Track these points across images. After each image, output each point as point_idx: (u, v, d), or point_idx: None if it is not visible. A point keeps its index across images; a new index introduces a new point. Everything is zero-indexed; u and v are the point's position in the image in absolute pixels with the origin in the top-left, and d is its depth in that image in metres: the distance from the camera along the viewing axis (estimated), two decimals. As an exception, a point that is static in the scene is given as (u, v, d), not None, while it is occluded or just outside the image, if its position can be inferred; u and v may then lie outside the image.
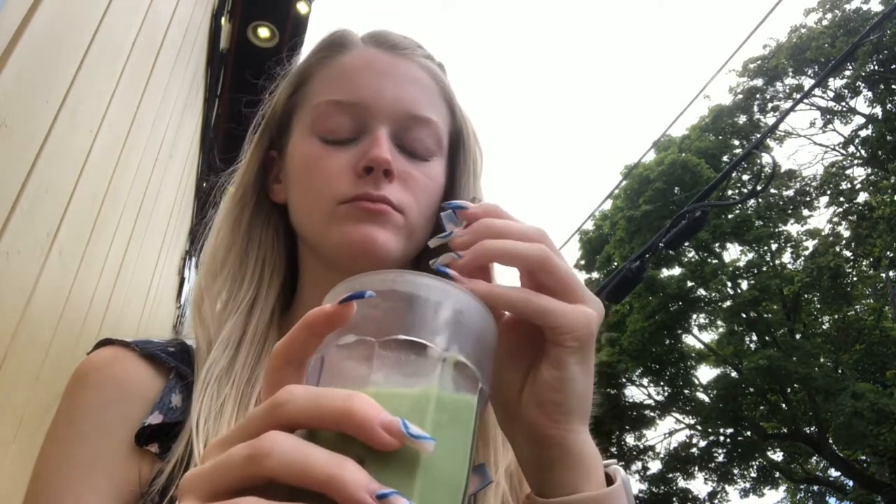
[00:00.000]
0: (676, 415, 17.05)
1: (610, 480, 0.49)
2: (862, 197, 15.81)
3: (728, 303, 16.56)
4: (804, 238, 16.77)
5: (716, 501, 16.85)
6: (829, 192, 16.18)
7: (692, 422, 16.92)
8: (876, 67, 15.02)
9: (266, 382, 0.36)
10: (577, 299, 0.47)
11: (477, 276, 0.46)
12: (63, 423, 0.62)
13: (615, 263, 15.96)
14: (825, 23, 16.07)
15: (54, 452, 0.60)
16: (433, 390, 0.34)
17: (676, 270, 17.17)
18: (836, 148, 16.63)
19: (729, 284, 16.70)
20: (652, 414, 17.11)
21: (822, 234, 16.30)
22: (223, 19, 3.51)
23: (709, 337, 17.41)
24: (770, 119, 16.57)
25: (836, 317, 16.31)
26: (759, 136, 14.00)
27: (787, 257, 16.98)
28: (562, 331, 0.45)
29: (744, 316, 16.07)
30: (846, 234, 15.90)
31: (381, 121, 0.68)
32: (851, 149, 16.31)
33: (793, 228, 16.90)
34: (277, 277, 0.74)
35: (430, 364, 0.35)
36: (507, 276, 0.53)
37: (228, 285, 0.72)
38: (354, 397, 0.31)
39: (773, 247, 16.79)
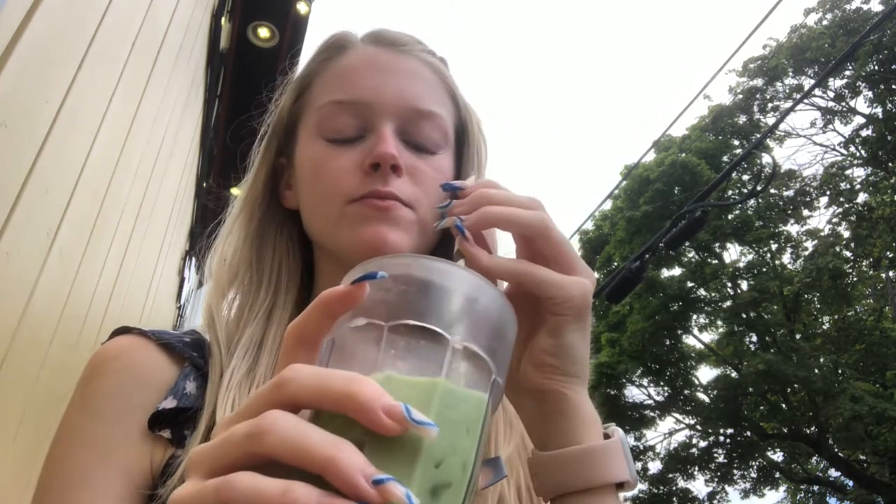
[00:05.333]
0: (676, 415, 17.03)
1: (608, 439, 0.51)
2: (862, 197, 15.80)
3: (728, 303, 16.54)
4: (804, 238, 16.76)
5: (716, 502, 16.83)
6: (828, 192, 16.17)
7: (692, 422, 16.91)
8: (876, 67, 15.01)
9: (279, 363, 0.37)
10: (572, 269, 0.49)
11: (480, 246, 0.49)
12: (78, 410, 0.61)
13: (615, 263, 15.96)
14: (825, 23, 16.06)
15: (68, 439, 0.59)
16: (440, 380, 0.33)
17: (676, 271, 17.15)
18: (837, 148, 16.62)
19: (729, 285, 16.69)
20: (652, 414, 17.09)
21: (822, 234, 16.28)
22: (223, 19, 3.51)
23: (709, 337, 17.41)
24: (770, 119, 16.56)
25: (835, 317, 16.30)
26: (759, 136, 14.00)
27: (786, 258, 16.98)
28: (559, 300, 0.47)
29: (744, 316, 16.06)
30: (846, 234, 15.88)
31: (384, 117, 0.68)
32: (851, 149, 16.30)
33: (793, 229, 16.90)
34: (294, 284, 0.74)
35: (440, 352, 0.34)
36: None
37: (244, 291, 0.72)
38: (358, 380, 0.31)
39: (773, 247, 16.78)
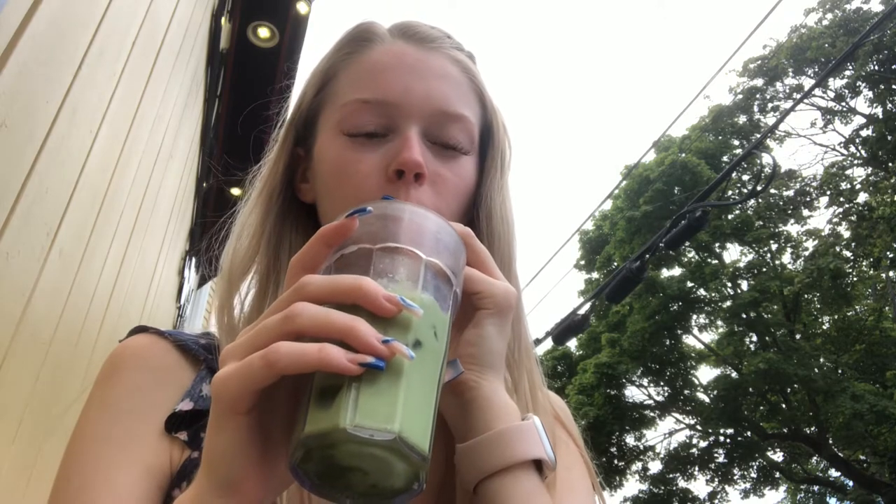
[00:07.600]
0: (676, 415, 17.04)
1: None
2: (862, 197, 15.81)
3: (728, 303, 16.55)
4: (804, 238, 16.77)
5: (716, 502, 16.84)
6: (829, 192, 16.17)
7: (692, 422, 16.91)
8: (876, 67, 15.01)
9: (286, 286, 0.44)
10: (495, 276, 0.56)
11: None
12: (97, 405, 0.61)
13: (615, 263, 15.97)
14: (825, 23, 16.07)
15: (87, 434, 0.59)
16: (418, 288, 0.43)
17: (676, 271, 17.16)
18: (837, 148, 16.63)
19: (729, 285, 16.69)
20: (652, 414, 17.09)
21: (822, 234, 16.29)
22: (223, 19, 3.51)
23: (709, 337, 17.43)
24: (770, 119, 16.57)
25: (835, 317, 16.31)
26: (759, 136, 14.00)
27: (787, 258, 16.99)
28: (482, 295, 0.55)
29: (744, 316, 16.06)
30: (846, 234, 15.89)
31: (411, 119, 0.66)
32: (852, 149, 16.30)
33: (793, 229, 16.92)
34: None
35: (417, 266, 0.44)
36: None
37: (259, 295, 0.69)
38: (362, 278, 0.40)
39: (774, 247, 16.79)
